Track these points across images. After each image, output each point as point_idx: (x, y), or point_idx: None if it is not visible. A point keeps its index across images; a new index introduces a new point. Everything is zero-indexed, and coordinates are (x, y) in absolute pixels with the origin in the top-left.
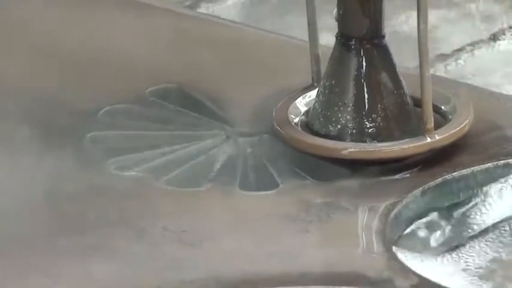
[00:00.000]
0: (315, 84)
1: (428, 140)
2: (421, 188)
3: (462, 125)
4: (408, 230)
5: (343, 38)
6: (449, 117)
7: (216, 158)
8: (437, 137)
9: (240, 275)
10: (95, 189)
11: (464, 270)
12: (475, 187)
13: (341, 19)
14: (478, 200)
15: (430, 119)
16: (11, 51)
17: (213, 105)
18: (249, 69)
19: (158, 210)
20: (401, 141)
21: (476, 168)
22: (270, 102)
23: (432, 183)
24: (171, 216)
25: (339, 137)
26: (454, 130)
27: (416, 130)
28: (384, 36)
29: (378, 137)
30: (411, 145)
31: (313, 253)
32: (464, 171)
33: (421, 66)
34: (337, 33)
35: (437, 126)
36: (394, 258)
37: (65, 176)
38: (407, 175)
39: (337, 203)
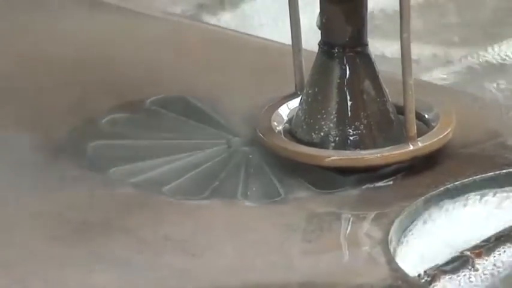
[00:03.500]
0: (298, 93)
1: (411, 147)
2: (423, 197)
3: (445, 133)
4: (410, 240)
5: (326, 46)
6: (432, 124)
7: (217, 167)
8: (420, 145)
9: (241, 285)
10: (97, 197)
11: (469, 281)
12: (476, 196)
13: (324, 27)
14: (478, 209)
15: (413, 127)
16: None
17: (215, 114)
18: (249, 77)
19: (160, 219)
20: (383, 149)
21: (477, 177)
22: None
23: (434, 192)
24: (172, 225)
25: (321, 145)
26: (437, 138)
27: (400, 138)
28: (367, 44)
29: (360, 144)
30: (393, 153)
31: (315, 263)
32: (466, 181)
33: (403, 74)
34: (319, 41)
35: (421, 133)
36: (397, 268)
37: (67, 184)
38: (410, 184)
39: (339, 212)
